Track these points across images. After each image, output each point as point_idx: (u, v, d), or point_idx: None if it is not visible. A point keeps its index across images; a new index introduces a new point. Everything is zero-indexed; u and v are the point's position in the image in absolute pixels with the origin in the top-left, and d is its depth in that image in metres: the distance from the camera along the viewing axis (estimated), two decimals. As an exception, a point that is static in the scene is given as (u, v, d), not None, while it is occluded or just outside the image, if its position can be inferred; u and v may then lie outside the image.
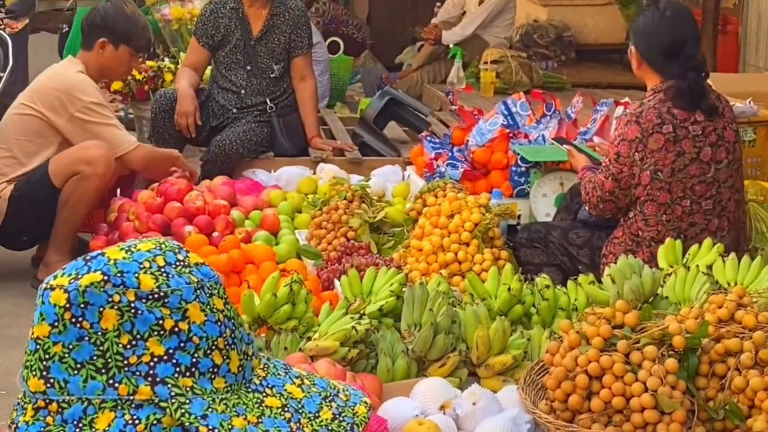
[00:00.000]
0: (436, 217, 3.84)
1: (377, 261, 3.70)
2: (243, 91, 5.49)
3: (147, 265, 1.27)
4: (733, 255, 3.15)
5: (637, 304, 2.71)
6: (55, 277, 1.28)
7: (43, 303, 1.27)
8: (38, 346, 1.26)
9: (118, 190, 4.67)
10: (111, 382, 1.27)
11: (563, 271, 3.86)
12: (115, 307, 1.26)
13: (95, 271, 1.26)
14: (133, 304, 1.26)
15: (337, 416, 1.36)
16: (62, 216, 4.37)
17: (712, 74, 3.76)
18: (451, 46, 8.06)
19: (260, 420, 1.31)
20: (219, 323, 1.32)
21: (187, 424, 1.27)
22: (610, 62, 8.64)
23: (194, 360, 1.29)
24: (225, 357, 1.33)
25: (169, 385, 1.27)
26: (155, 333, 1.27)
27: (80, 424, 1.26)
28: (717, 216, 3.62)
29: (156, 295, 1.27)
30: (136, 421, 1.27)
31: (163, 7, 7.90)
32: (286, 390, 1.37)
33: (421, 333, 2.92)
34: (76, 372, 1.26)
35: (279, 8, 5.46)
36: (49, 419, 1.26)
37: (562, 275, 3.79)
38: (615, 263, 2.99)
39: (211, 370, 1.30)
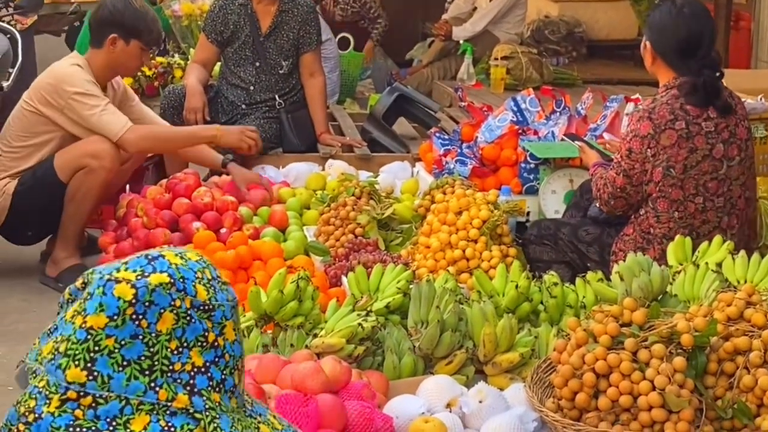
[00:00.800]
0: (444, 214, 3.82)
1: (385, 258, 3.68)
2: (252, 88, 5.48)
3: (200, 275, 1.30)
4: (743, 253, 3.13)
5: (646, 301, 2.69)
6: (118, 270, 1.26)
7: (104, 294, 1.25)
8: (89, 336, 1.24)
9: (128, 186, 4.66)
10: (152, 385, 1.26)
11: (572, 268, 3.84)
12: (175, 311, 1.27)
13: (162, 272, 1.27)
14: (189, 312, 1.28)
15: None
16: (69, 211, 4.36)
17: (724, 70, 3.72)
18: (461, 42, 8.03)
19: None
20: (240, 344, 1.36)
21: None
22: (622, 58, 8.60)
23: (223, 377, 1.31)
24: (239, 378, 1.36)
25: (204, 398, 1.29)
26: (199, 344, 1.29)
27: (114, 422, 1.25)
28: (727, 214, 3.59)
29: (207, 307, 1.29)
30: (171, 429, 1.27)
31: (173, 3, 7.90)
32: (270, 419, 1.40)
33: (427, 330, 2.91)
34: (121, 369, 1.25)
35: (288, 4, 5.45)
36: (78, 413, 1.24)
37: (572, 272, 3.77)
38: (625, 261, 2.97)
39: (231, 389, 1.33)
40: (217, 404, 1.30)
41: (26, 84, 4.62)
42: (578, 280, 3.30)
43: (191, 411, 1.28)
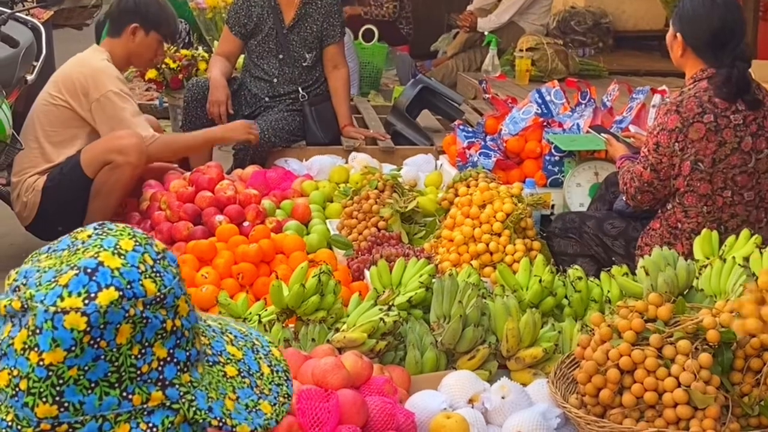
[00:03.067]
0: (468, 207, 3.80)
1: (407, 251, 3.66)
2: (275, 80, 5.47)
3: (143, 268, 1.24)
4: (771, 246, 3.08)
5: (671, 296, 2.65)
6: (61, 297, 1.19)
7: (55, 328, 1.18)
8: (51, 373, 1.19)
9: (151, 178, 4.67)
10: (125, 394, 1.23)
11: (597, 261, 3.80)
12: (130, 321, 1.22)
13: (107, 286, 1.20)
14: (143, 314, 1.22)
15: (271, 367, 1.40)
16: (94, 205, 4.37)
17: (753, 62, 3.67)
18: (486, 33, 7.99)
19: (237, 395, 1.32)
20: (192, 308, 1.31)
21: (201, 420, 1.27)
22: (649, 49, 8.53)
23: (188, 354, 1.28)
24: (199, 340, 1.32)
25: (177, 386, 1.26)
26: (159, 337, 1.25)
27: None
28: (756, 207, 3.54)
29: (158, 299, 1.24)
30: (154, 428, 1.24)
31: (197, -5, 7.91)
32: (229, 353, 1.37)
33: (450, 325, 2.89)
34: (90, 392, 1.21)
35: (311, -4, 5.43)
36: None
37: (597, 266, 3.73)
38: (650, 255, 2.93)
39: (196, 358, 1.30)
40: (189, 384, 1.28)
41: (47, 78, 4.63)
42: (603, 275, 3.26)
43: (168, 404, 1.25)
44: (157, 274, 1.25)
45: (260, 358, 1.40)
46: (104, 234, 1.26)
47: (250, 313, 3.10)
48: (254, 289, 3.68)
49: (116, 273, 1.21)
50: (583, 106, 4.65)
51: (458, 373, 2.74)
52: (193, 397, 1.26)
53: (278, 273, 3.61)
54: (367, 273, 3.58)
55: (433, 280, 3.10)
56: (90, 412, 1.22)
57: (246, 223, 4.11)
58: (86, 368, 1.20)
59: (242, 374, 1.35)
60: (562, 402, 2.56)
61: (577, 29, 8.32)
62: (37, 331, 1.19)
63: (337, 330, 2.89)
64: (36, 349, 1.19)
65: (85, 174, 4.33)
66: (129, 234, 1.27)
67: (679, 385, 2.38)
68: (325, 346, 2.74)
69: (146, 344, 1.23)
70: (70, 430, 1.21)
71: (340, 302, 3.08)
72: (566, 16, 8.37)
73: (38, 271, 1.24)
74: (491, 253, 3.68)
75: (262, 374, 1.38)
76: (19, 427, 1.22)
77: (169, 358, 1.25)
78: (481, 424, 2.56)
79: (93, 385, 1.21)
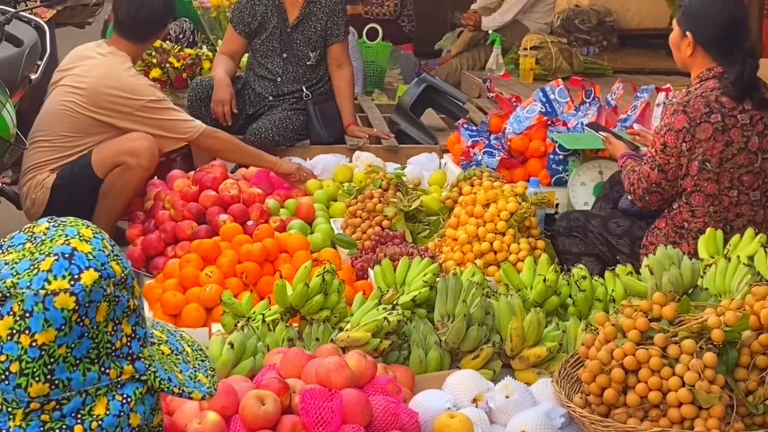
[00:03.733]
0: (472, 206, 3.79)
1: (411, 250, 3.66)
2: (279, 79, 5.47)
3: (107, 252, 1.37)
4: (775, 245, 3.07)
5: (676, 296, 2.65)
6: (47, 280, 1.29)
7: (47, 309, 1.28)
8: (43, 353, 1.29)
9: (155, 177, 4.67)
10: (103, 369, 1.35)
11: (602, 260, 3.80)
12: (107, 299, 1.34)
13: (87, 268, 1.32)
14: (114, 293, 1.35)
15: (191, 347, 1.54)
16: (102, 206, 4.37)
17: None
18: (490, 32, 7.98)
19: (180, 369, 1.46)
20: (140, 292, 1.45)
21: (165, 389, 1.41)
22: (653, 47, 8.50)
23: (144, 331, 1.42)
24: (145, 320, 1.46)
25: (142, 359, 1.40)
26: (125, 315, 1.37)
27: (79, 415, 1.33)
28: (762, 207, 3.54)
29: (122, 280, 1.37)
30: (128, 399, 1.37)
31: (202, -6, 7.90)
32: (156, 335, 1.51)
33: (454, 324, 2.88)
34: (75, 368, 1.32)
35: (315, -5, 5.43)
36: (44, 417, 1.32)
37: (601, 265, 3.73)
38: (655, 254, 2.93)
39: (149, 335, 1.44)
40: (149, 358, 1.41)
41: (50, 76, 4.63)
42: (607, 274, 3.26)
43: (137, 376, 1.38)
44: (118, 257, 1.38)
45: (179, 339, 1.53)
46: (61, 225, 1.38)
47: (254, 313, 3.10)
48: (258, 289, 3.68)
49: (90, 256, 1.33)
50: (588, 104, 4.64)
51: (462, 373, 2.74)
52: (156, 369, 1.40)
53: (282, 272, 3.60)
54: (371, 272, 3.57)
55: (437, 279, 3.10)
56: (76, 387, 1.32)
57: (250, 222, 4.11)
58: (73, 345, 1.31)
59: (174, 352, 1.48)
60: (567, 401, 2.55)
61: (581, 28, 8.30)
62: (27, 314, 1.28)
63: (341, 329, 2.88)
64: (27, 331, 1.29)
65: (96, 174, 4.34)
66: (82, 224, 1.40)
67: (683, 384, 2.38)
68: (329, 345, 2.74)
69: (117, 321, 1.36)
70: (58, 406, 1.31)
71: (344, 301, 3.08)
72: (570, 14, 8.35)
73: (6, 264, 1.33)
74: (495, 252, 3.67)
75: (187, 353, 1.51)
76: (8, 408, 1.31)
77: (133, 335, 1.38)
78: (485, 424, 2.56)
79: (78, 362, 1.32)
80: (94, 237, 1.37)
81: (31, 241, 1.36)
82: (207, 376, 1.50)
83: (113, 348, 1.35)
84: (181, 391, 1.42)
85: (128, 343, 1.37)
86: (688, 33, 3.50)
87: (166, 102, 4.47)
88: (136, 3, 4.48)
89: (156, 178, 4.64)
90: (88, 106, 4.38)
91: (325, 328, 2.91)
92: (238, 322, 3.02)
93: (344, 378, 2.46)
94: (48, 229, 1.37)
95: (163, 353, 1.46)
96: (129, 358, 1.37)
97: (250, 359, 2.78)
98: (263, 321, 2.99)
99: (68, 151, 4.42)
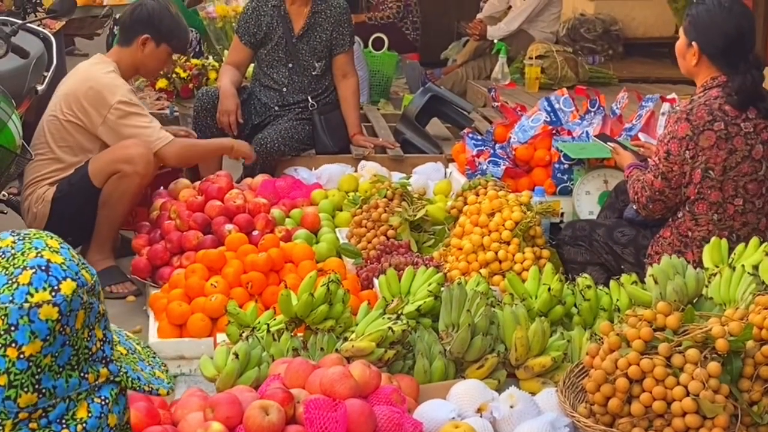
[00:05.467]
0: (477, 216, 3.80)
1: (416, 260, 3.66)
2: (285, 89, 5.48)
3: (76, 261, 1.40)
4: (780, 254, 3.06)
5: (680, 305, 2.64)
6: (29, 294, 1.32)
7: (32, 322, 1.32)
8: (30, 364, 1.33)
9: (161, 187, 4.68)
10: (82, 374, 1.39)
11: (607, 270, 3.80)
12: (83, 307, 1.37)
13: (64, 278, 1.35)
14: (88, 301, 1.39)
15: (139, 345, 1.58)
16: (102, 215, 4.38)
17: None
18: (495, 41, 7.99)
19: (140, 367, 1.50)
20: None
21: (137, 388, 1.46)
22: (659, 56, 8.51)
23: (111, 334, 1.46)
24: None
25: (114, 362, 1.44)
26: (97, 320, 1.41)
27: (64, 420, 1.37)
28: (766, 215, 3.53)
29: (92, 287, 1.40)
30: (106, 401, 1.41)
31: (207, 5, 7.94)
32: (118, 331, 1.56)
33: (458, 334, 2.88)
34: (59, 376, 1.36)
35: (320, 6, 5.44)
36: (32, 425, 1.37)
37: (606, 274, 3.73)
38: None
39: (112, 338, 1.48)
40: (118, 359, 1.46)
41: (55, 87, 4.65)
42: (612, 283, 3.26)
43: (111, 378, 1.43)
44: (85, 266, 1.41)
45: (128, 338, 1.57)
46: (26, 238, 1.41)
47: (259, 322, 3.11)
48: (263, 298, 3.68)
49: (64, 266, 1.37)
50: (593, 114, 4.64)
51: (467, 382, 2.74)
52: (125, 370, 1.45)
53: (287, 282, 3.61)
54: (376, 282, 3.58)
55: (442, 289, 3.10)
56: (60, 394, 1.36)
57: (255, 232, 4.11)
58: (57, 354, 1.35)
59: (130, 351, 1.53)
60: (571, 411, 2.55)
61: (586, 36, 8.32)
62: (12, 328, 1.32)
63: (346, 339, 2.89)
64: (14, 344, 1.32)
65: (93, 184, 4.34)
66: (45, 234, 1.43)
67: (687, 394, 2.37)
68: (333, 355, 2.74)
69: (91, 327, 1.40)
70: (44, 414, 1.36)
71: (349, 311, 3.08)
72: (576, 23, 8.36)
73: None
74: (500, 262, 3.67)
75: (138, 351, 1.56)
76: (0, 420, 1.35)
77: (104, 338, 1.43)
78: (489, 434, 2.56)
79: (61, 369, 1.36)
80: (62, 247, 1.41)
81: (1, 257, 1.39)
82: (163, 372, 1.56)
83: (90, 353, 1.40)
84: (150, 389, 1.48)
85: (102, 347, 1.42)
86: (693, 43, 3.50)
87: (138, 107, 4.42)
88: (133, 6, 4.67)
89: (162, 188, 4.66)
90: (70, 111, 4.39)
91: (330, 338, 2.91)
92: (242, 332, 3.03)
93: (348, 388, 2.46)
94: (14, 243, 1.40)
95: (121, 353, 1.51)
96: (103, 361, 1.42)
97: (255, 369, 2.78)
98: (268, 331, 2.99)
99: (64, 164, 4.42)
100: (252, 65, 5.72)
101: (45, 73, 4.82)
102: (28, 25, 4.94)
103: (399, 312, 3.03)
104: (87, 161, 4.39)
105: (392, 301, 3.15)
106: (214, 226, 4.18)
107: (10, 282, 1.34)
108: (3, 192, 4.43)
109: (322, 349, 2.87)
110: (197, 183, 4.56)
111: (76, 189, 4.35)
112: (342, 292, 3.08)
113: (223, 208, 4.24)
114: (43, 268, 1.35)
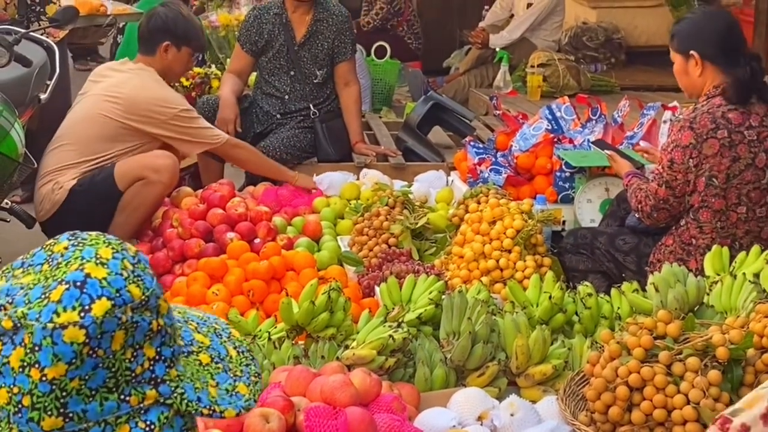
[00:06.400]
0: (478, 224, 3.80)
1: (418, 268, 3.67)
2: (287, 97, 5.49)
3: (126, 274, 1.27)
4: (781, 263, 3.07)
5: (681, 313, 2.65)
6: (56, 312, 1.22)
7: (55, 344, 1.22)
8: (54, 387, 1.23)
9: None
10: (122, 397, 1.27)
11: (609, 278, 3.80)
12: (123, 327, 1.25)
13: (99, 297, 1.23)
14: (132, 319, 1.26)
15: (237, 349, 1.45)
16: (119, 220, 4.41)
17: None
18: (498, 49, 8.00)
19: (216, 381, 1.37)
20: (169, 307, 1.36)
21: (193, 411, 1.32)
22: (661, 64, 8.48)
23: (172, 350, 1.33)
24: (179, 336, 1.37)
25: (167, 382, 1.31)
26: (147, 338, 1.29)
27: None
28: (768, 224, 3.54)
29: (143, 302, 1.28)
30: (152, 426, 1.29)
31: (210, 14, 7.96)
32: (198, 341, 1.42)
33: (459, 342, 2.89)
34: (91, 399, 1.25)
35: (322, 14, 5.45)
36: None
37: (608, 282, 3.73)
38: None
39: (179, 352, 1.35)
40: (177, 378, 1.33)
41: (61, 96, 4.67)
42: (613, 291, 3.26)
43: (162, 400, 1.30)
44: (139, 278, 1.28)
45: (225, 341, 1.44)
46: (80, 244, 1.30)
47: (260, 330, 3.11)
48: (264, 306, 3.69)
49: (104, 283, 1.25)
50: (594, 122, 4.65)
51: (467, 390, 2.74)
52: (183, 390, 1.31)
53: (288, 290, 3.61)
54: (377, 289, 3.58)
55: (443, 297, 3.10)
56: (93, 418, 1.25)
57: (257, 240, 4.12)
58: (86, 378, 1.24)
59: (215, 360, 1.40)
60: (572, 419, 2.55)
61: (589, 45, 8.32)
62: (36, 348, 1.22)
63: (347, 347, 2.89)
64: (37, 365, 1.22)
65: (116, 186, 4.38)
66: (104, 242, 1.30)
67: (688, 402, 2.37)
68: (334, 363, 2.74)
69: (137, 347, 1.28)
70: None
71: (350, 319, 3.09)
72: (578, 31, 8.36)
73: (22, 288, 1.27)
74: (501, 270, 3.68)
75: (231, 357, 1.43)
76: None
77: (157, 357, 1.30)
78: (490, 442, 2.56)
79: (93, 392, 1.25)
80: (113, 258, 1.28)
81: (48, 262, 1.29)
82: (248, 385, 1.41)
83: (133, 374, 1.27)
84: (211, 411, 1.33)
85: (151, 367, 1.29)
86: (692, 52, 3.51)
87: (194, 112, 4.64)
88: (145, 15, 4.81)
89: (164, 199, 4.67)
90: (123, 114, 4.47)
91: (331, 346, 2.92)
92: (244, 339, 3.02)
93: (349, 396, 2.46)
94: (67, 248, 1.30)
95: (201, 363, 1.38)
96: (152, 382, 1.29)
97: (256, 377, 2.78)
98: (269, 339, 2.99)
99: (94, 156, 4.48)
100: (254, 73, 5.73)
101: (48, 82, 4.84)
102: (31, 33, 4.95)
103: (400, 320, 3.04)
104: (113, 161, 4.44)
105: (393, 309, 3.15)
106: (216, 234, 4.18)
107: (42, 296, 1.24)
108: (5, 200, 4.44)
109: (323, 357, 2.87)
110: (199, 191, 4.57)
111: (97, 187, 4.40)
112: (343, 300, 3.08)
113: (225, 216, 4.25)
114: (79, 283, 1.23)
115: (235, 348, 1.45)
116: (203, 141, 4.59)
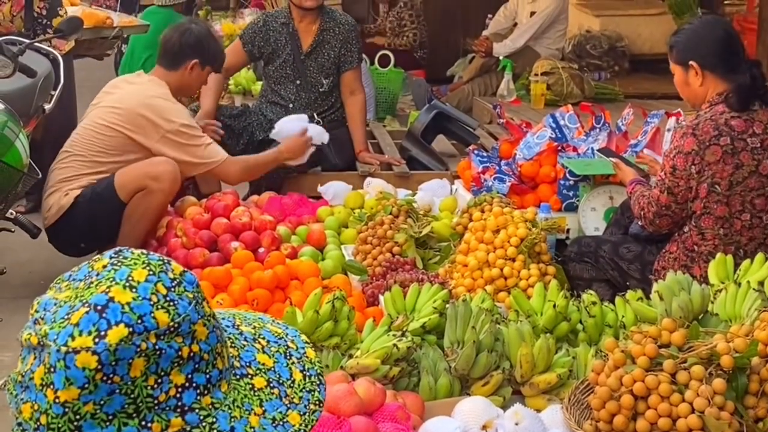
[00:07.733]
0: (482, 232, 3.80)
1: (422, 276, 3.67)
2: (291, 105, 5.50)
3: (155, 299, 1.23)
4: (786, 271, 3.06)
5: (685, 321, 2.64)
6: (72, 336, 1.20)
7: (67, 368, 1.20)
8: (67, 410, 1.21)
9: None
10: (144, 423, 1.23)
11: (613, 286, 3.79)
12: (142, 354, 1.22)
13: (117, 323, 1.20)
14: (156, 346, 1.22)
15: (304, 372, 1.37)
16: (125, 230, 4.43)
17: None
18: (501, 58, 8.01)
19: (264, 408, 1.31)
20: (214, 329, 1.30)
21: None
22: (665, 72, 8.47)
23: (208, 377, 1.27)
24: (223, 359, 1.31)
25: (197, 410, 1.26)
26: (175, 365, 1.24)
27: None
28: (772, 231, 3.53)
29: (172, 329, 1.23)
30: None
31: (214, 23, 7.98)
32: (259, 362, 1.36)
33: (463, 351, 2.88)
34: (108, 424, 1.22)
35: (329, 23, 5.47)
36: None
37: (612, 290, 3.72)
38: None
39: (218, 378, 1.29)
40: (209, 406, 1.27)
41: (67, 107, 4.68)
42: (618, 299, 3.25)
43: (188, 429, 1.25)
44: (171, 303, 1.24)
45: (293, 363, 1.37)
46: (119, 264, 1.26)
47: (265, 340, 3.11)
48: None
49: (126, 308, 1.21)
50: (598, 130, 4.65)
51: (472, 399, 2.74)
52: (214, 419, 1.26)
53: (292, 299, 3.61)
54: (381, 298, 3.58)
55: (447, 306, 3.10)
56: None
57: (261, 250, 4.12)
58: (102, 403, 1.21)
59: (271, 384, 1.34)
60: (577, 428, 2.55)
61: (592, 53, 8.33)
62: (52, 369, 1.21)
63: (351, 356, 2.89)
64: (51, 386, 1.21)
65: (118, 196, 4.39)
66: (143, 263, 1.26)
67: (693, 411, 2.37)
68: (338, 372, 2.74)
69: (162, 373, 1.23)
70: None
71: (354, 328, 3.09)
72: (582, 40, 8.38)
73: (56, 304, 1.25)
74: (505, 278, 3.67)
75: (293, 381, 1.36)
76: None
77: (187, 384, 1.25)
78: (494, 451, 2.55)
79: (111, 417, 1.22)
80: (146, 281, 1.23)
81: (86, 280, 1.26)
82: (303, 414, 1.33)
83: (156, 401, 1.23)
84: None
85: (178, 394, 1.24)
86: (691, 62, 3.51)
87: (197, 130, 4.58)
88: (175, 29, 4.73)
89: (168, 205, 4.68)
90: (124, 124, 4.48)
91: (335, 355, 2.92)
92: (318, 361, 3.01)
93: (353, 405, 2.46)
94: (105, 267, 1.26)
95: (252, 387, 1.32)
96: (178, 410, 1.24)
97: (260, 386, 2.78)
98: (273, 348, 2.99)
99: (100, 168, 4.50)
100: (260, 83, 5.75)
101: (52, 92, 4.86)
102: (36, 44, 4.97)
103: (404, 329, 3.04)
104: (113, 172, 4.45)
105: (397, 317, 3.15)
106: (220, 243, 4.19)
107: (66, 317, 1.21)
108: (10, 210, 4.46)
109: (327, 366, 2.87)
110: (203, 200, 4.58)
111: (99, 197, 4.42)
112: (347, 309, 3.08)
113: (229, 226, 4.25)
114: (100, 307, 1.20)
115: (302, 371, 1.37)
116: (203, 161, 4.52)
